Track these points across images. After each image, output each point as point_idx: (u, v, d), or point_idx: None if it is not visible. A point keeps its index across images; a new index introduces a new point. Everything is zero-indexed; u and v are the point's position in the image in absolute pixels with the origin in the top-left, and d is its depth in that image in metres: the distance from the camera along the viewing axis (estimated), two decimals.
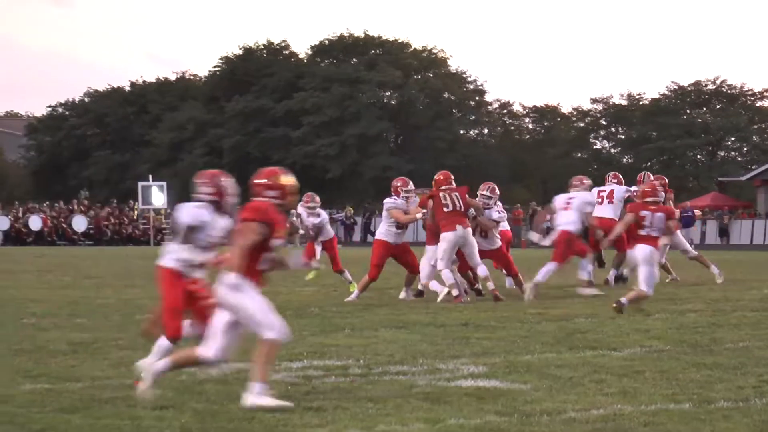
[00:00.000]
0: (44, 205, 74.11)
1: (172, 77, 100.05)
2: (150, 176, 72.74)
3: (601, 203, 26.21)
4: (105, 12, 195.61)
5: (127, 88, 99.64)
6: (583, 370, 12.73)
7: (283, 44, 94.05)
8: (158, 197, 70.31)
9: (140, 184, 71.37)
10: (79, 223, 70.01)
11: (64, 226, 70.29)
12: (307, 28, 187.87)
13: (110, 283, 27.92)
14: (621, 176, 27.57)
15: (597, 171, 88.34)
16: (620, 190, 26.65)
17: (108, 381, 12.35)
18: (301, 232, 27.00)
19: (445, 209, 21.94)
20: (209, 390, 11.69)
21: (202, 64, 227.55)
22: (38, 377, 12.62)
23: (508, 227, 24.75)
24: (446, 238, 21.74)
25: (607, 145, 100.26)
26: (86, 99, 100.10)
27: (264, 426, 9.80)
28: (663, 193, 21.43)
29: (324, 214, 26.64)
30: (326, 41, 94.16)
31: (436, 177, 22.57)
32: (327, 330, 17.12)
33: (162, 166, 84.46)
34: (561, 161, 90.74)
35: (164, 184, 71.16)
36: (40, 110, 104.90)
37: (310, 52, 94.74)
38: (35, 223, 69.30)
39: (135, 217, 72.05)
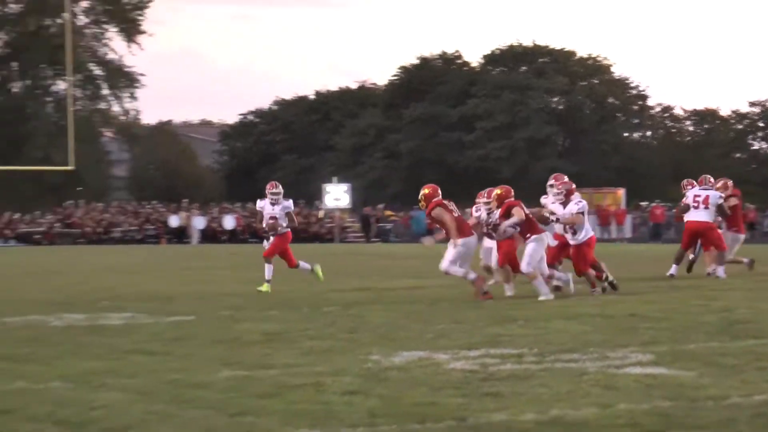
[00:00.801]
0: (236, 205, 75.24)
1: (354, 86, 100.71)
2: (334, 178, 73.42)
3: (697, 207, 26.00)
4: (289, 27, 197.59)
5: (312, 97, 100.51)
6: (746, 358, 12.54)
7: (456, 54, 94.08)
8: (342, 198, 71.15)
9: (325, 185, 72.28)
10: (227, 223, 70.83)
11: (255, 225, 71.20)
12: (478, 38, 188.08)
13: (298, 278, 28.18)
14: (713, 180, 27.20)
15: (756, 171, 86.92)
16: (714, 196, 26.23)
17: (299, 368, 12.47)
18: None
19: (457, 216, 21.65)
20: (393, 377, 11.74)
21: (381, 74, 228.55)
22: (235, 365, 12.79)
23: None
24: (466, 243, 21.20)
25: (765, 146, 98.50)
26: (274, 107, 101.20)
27: (445, 409, 9.82)
28: None
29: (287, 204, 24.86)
30: (497, 51, 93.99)
31: (426, 191, 21.58)
32: (501, 321, 17.10)
33: (344, 169, 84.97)
34: (720, 162, 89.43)
35: (347, 185, 71.96)
36: (232, 118, 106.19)
37: (482, 61, 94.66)
38: (229, 222, 70.38)
39: (321, 217, 72.66)
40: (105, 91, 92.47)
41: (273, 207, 24.48)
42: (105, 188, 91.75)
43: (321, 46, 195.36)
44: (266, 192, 24.68)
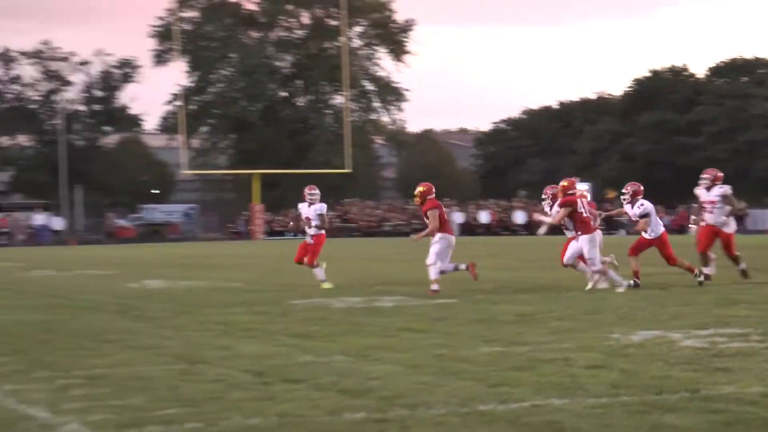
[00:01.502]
0: (490, 202, 75.39)
1: (592, 96, 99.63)
2: (576, 179, 72.92)
3: None
4: (536, 45, 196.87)
5: (556, 106, 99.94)
6: None
7: (683, 67, 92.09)
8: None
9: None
10: (518, 217, 70.84)
11: (506, 219, 71.39)
12: (703, 53, 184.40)
13: (547, 266, 28.03)
14: None
15: None
16: None
17: (548, 345, 12.40)
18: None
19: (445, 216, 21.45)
20: (632, 353, 11.58)
21: (616, 85, 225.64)
22: (492, 341, 12.79)
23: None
24: (446, 238, 20.96)
25: None
26: (523, 116, 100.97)
27: (679, 382, 9.62)
28: None
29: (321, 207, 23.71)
30: (721, 63, 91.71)
31: (422, 188, 21.26)
32: (727, 304, 16.70)
33: (584, 170, 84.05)
34: None
35: (588, 184, 71.42)
36: (485, 126, 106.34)
37: (707, 73, 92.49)
38: (484, 217, 70.56)
39: None
40: (376, 104, 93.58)
41: (309, 207, 23.53)
42: (377, 188, 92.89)
43: (563, 62, 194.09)
44: (305, 194, 23.80)
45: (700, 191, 22.14)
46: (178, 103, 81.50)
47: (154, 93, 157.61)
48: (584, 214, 20.36)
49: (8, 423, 8.64)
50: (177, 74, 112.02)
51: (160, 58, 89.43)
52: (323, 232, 23.30)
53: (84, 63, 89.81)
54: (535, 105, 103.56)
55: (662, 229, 21.07)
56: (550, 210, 21.52)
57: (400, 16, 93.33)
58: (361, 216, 76.76)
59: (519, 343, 12.64)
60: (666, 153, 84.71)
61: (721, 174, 22.13)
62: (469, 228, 69.68)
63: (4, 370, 11.37)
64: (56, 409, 9.13)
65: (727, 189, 21.68)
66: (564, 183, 20.89)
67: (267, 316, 16.47)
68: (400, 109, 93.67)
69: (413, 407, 8.84)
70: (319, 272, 22.65)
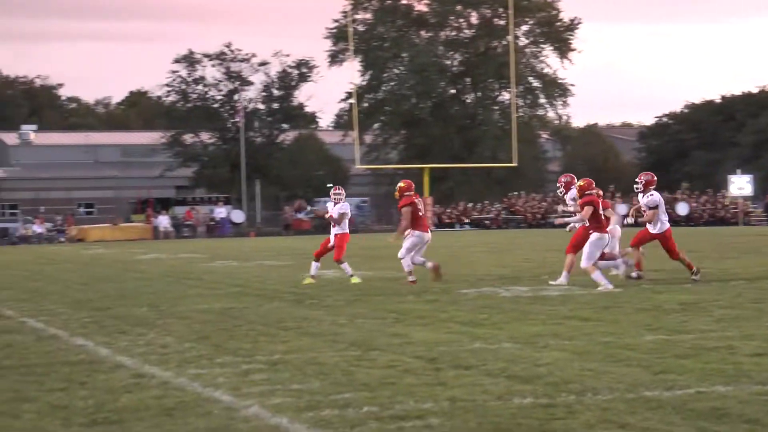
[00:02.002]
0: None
1: (755, 90, 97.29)
2: (738, 171, 71.54)
3: None
4: (698, 41, 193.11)
5: (718, 101, 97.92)
6: None
7: None
8: (745, 187, 69.71)
9: (730, 177, 70.87)
10: (681, 209, 69.61)
11: (669, 211, 70.24)
12: None
13: (709, 256, 27.49)
14: None
15: None
16: None
17: (712, 333, 12.17)
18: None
19: (420, 213, 21.28)
20: None
21: None
22: (657, 330, 12.60)
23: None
24: (420, 235, 21.08)
25: None
26: (685, 110, 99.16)
27: None
28: None
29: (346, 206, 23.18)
30: None
31: (401, 184, 21.67)
32: None
33: (746, 163, 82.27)
34: None
35: (750, 176, 70.17)
36: (648, 120, 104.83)
37: None
38: (683, 209, 69.53)
39: (727, 204, 70.76)
40: (542, 100, 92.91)
41: (333, 206, 23.00)
42: (542, 181, 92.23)
43: (725, 57, 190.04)
44: (330, 194, 23.52)
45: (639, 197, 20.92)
46: (351, 101, 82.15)
47: (329, 92, 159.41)
48: (601, 213, 19.61)
49: (193, 405, 8.81)
50: (351, 73, 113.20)
51: (335, 58, 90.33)
52: (347, 231, 22.98)
53: (263, 64, 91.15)
54: (698, 99, 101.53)
55: (667, 225, 20.34)
56: (563, 197, 21.29)
57: (565, 15, 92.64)
58: (526, 208, 76.41)
59: (683, 332, 12.43)
60: None
61: (653, 177, 20.80)
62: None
63: (189, 355, 11.60)
64: (239, 392, 9.29)
65: (654, 199, 20.34)
66: (581, 182, 20.01)
67: (437, 305, 16.50)
68: (565, 105, 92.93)
69: (580, 393, 8.76)
70: (347, 267, 22.36)
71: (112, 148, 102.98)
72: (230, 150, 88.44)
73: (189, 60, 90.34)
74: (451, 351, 11.30)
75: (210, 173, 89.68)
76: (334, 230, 22.76)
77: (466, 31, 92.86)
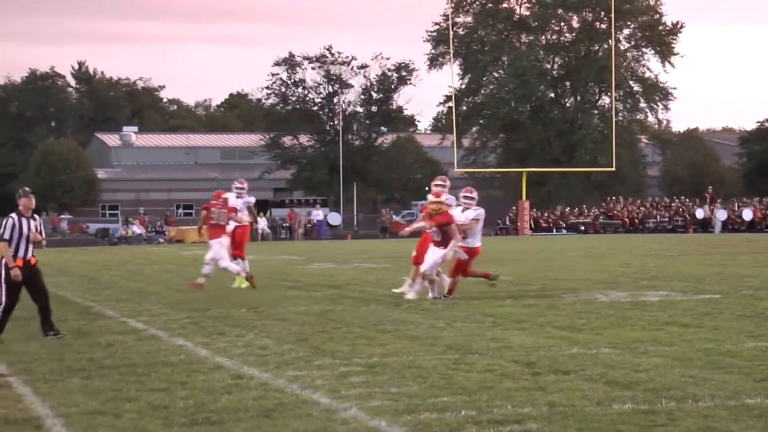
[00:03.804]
0: (755, 200, 73.18)
1: None
2: None
3: None
4: None
5: None
6: None
7: None
8: None
9: None
10: (747, 214, 68.57)
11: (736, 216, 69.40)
12: None
13: None
14: None
15: None
16: None
17: None
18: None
19: (212, 221, 21.43)
20: None
21: None
22: (758, 337, 12.42)
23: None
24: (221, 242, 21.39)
25: None
26: None
27: None
28: None
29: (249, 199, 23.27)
30: None
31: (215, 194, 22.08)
32: None
33: None
34: None
35: None
36: (749, 125, 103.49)
37: None
38: (747, 214, 68.52)
39: None
40: (642, 104, 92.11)
41: (237, 200, 22.89)
42: (641, 186, 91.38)
43: None
44: (232, 186, 23.47)
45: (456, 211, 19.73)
46: (450, 104, 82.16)
47: (428, 95, 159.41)
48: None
49: (292, 407, 8.87)
50: (450, 77, 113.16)
51: (435, 61, 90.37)
52: (246, 224, 23.29)
53: (363, 67, 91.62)
54: None
55: (479, 244, 19.44)
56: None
57: (669, 19, 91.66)
58: (624, 213, 75.75)
59: None
60: None
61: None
62: (732, 225, 67.83)
63: (288, 357, 11.68)
64: (337, 394, 9.34)
65: (480, 213, 19.62)
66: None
67: (535, 309, 16.43)
68: (666, 109, 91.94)
69: (681, 399, 8.67)
70: (239, 265, 22.29)
71: (212, 149, 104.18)
72: (328, 152, 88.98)
73: (289, 63, 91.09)
74: (549, 356, 11.25)
75: (308, 175, 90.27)
76: (232, 224, 22.76)
77: (567, 34, 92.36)
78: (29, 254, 14.05)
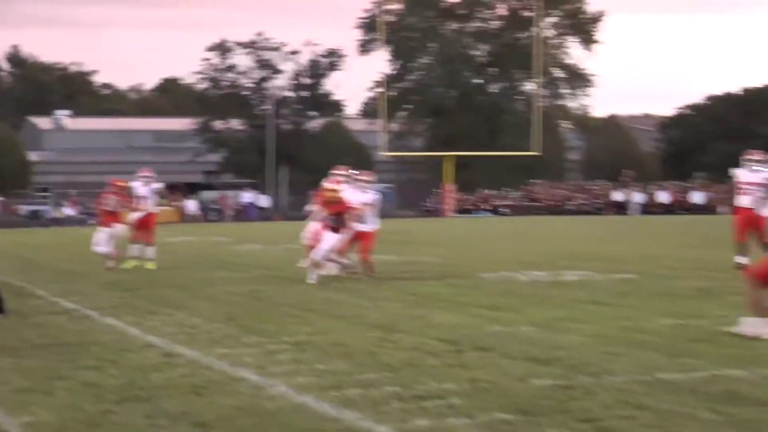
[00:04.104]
0: (672, 183, 74.18)
1: None
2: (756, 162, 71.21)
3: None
4: (719, 32, 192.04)
5: (739, 93, 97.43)
6: None
7: None
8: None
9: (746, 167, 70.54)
10: (697, 197, 69.55)
11: (685, 200, 70.21)
12: None
13: (725, 244, 27.33)
14: None
15: None
16: None
17: (727, 319, 12.12)
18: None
19: (105, 208, 22.00)
20: None
21: None
22: (672, 315, 12.58)
23: None
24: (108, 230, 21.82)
25: None
26: (706, 102, 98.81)
27: None
28: None
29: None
30: None
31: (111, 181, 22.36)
32: None
33: (767, 153, 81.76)
34: None
35: None
36: (668, 111, 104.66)
37: None
38: (664, 197, 69.46)
39: None
40: (564, 90, 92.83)
41: (144, 188, 22.89)
42: (562, 170, 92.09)
43: (747, 49, 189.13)
44: (138, 175, 23.35)
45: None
46: (379, 89, 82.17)
47: (357, 80, 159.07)
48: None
49: (221, 384, 8.86)
50: (379, 63, 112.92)
51: (365, 47, 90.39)
52: (153, 212, 23.35)
53: (294, 52, 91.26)
54: (719, 91, 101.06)
55: (375, 227, 19.48)
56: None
57: (591, 8, 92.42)
58: (546, 196, 76.38)
59: (698, 317, 12.40)
60: None
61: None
62: (650, 207, 68.73)
63: (217, 336, 11.66)
64: (265, 371, 9.33)
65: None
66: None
67: (458, 288, 16.52)
68: (587, 95, 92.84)
69: (598, 375, 8.78)
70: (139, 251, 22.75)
71: (144, 133, 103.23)
72: (258, 137, 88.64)
73: (221, 48, 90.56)
74: (471, 334, 11.32)
75: (238, 159, 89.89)
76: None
77: (494, 22, 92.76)
78: None
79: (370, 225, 19.40)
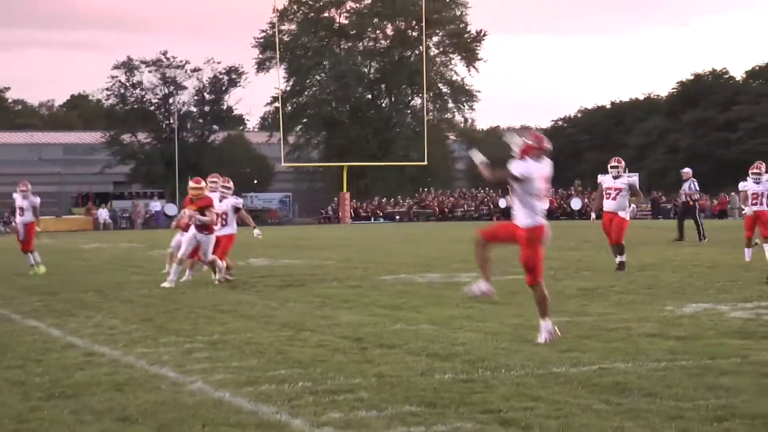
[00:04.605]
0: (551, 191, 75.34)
1: (641, 97, 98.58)
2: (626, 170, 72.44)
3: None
4: (588, 51, 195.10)
5: (608, 106, 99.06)
6: None
7: (723, 71, 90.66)
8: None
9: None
10: (575, 203, 70.47)
11: (565, 205, 71.04)
12: (741, 57, 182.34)
13: (602, 246, 27.74)
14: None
15: None
16: None
17: (610, 316, 12.32)
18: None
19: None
20: (685, 323, 11.47)
21: (662, 87, 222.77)
22: (560, 313, 12.67)
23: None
24: None
25: None
26: (579, 114, 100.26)
27: (730, 349, 9.50)
28: None
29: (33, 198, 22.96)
30: (757, 67, 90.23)
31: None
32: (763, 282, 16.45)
33: (634, 162, 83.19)
34: None
35: (636, 175, 71.06)
36: (545, 123, 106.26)
37: (744, 76, 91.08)
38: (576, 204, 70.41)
39: None
40: (450, 105, 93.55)
41: (23, 201, 22.77)
42: (450, 179, 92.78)
43: (615, 66, 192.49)
44: (17, 189, 23.05)
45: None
46: (276, 104, 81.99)
47: (256, 96, 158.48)
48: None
49: (142, 381, 8.74)
50: (276, 79, 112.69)
51: (262, 65, 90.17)
52: (32, 222, 22.96)
53: (196, 70, 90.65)
54: (590, 105, 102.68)
55: (233, 231, 19.42)
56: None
57: (473, 28, 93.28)
58: (436, 203, 76.86)
59: (584, 314, 12.56)
60: (707, 146, 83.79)
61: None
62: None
63: (135, 336, 11.50)
64: (183, 369, 9.23)
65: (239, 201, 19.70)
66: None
67: (360, 290, 16.51)
68: (471, 109, 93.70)
69: (495, 369, 8.82)
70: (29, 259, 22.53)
71: (55, 146, 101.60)
72: (165, 149, 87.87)
73: (128, 66, 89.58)
74: (375, 332, 11.32)
75: (146, 170, 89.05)
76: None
77: (382, 41, 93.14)
78: None
79: (229, 229, 19.30)
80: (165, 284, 17.83)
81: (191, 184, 18.96)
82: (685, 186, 30.89)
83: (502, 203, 70.62)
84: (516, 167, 10.40)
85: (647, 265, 20.52)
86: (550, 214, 60.89)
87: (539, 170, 10.54)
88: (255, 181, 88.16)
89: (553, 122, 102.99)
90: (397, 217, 74.08)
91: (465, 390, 8.02)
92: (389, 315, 12.91)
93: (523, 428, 6.79)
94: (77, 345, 10.89)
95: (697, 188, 31.43)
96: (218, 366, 9.32)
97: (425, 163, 74.67)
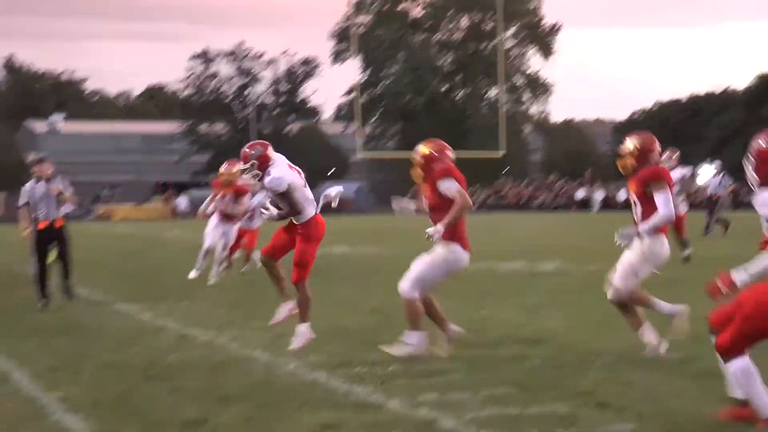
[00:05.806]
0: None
1: (718, 90, 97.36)
2: (708, 159, 71.82)
3: None
4: (668, 43, 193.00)
5: (685, 99, 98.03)
6: None
7: None
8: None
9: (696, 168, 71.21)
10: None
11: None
12: None
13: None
14: None
15: None
16: None
17: (699, 303, 12.21)
18: None
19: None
20: None
21: (740, 80, 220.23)
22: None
23: None
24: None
25: None
26: (655, 108, 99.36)
27: None
28: None
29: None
30: None
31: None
32: None
33: (712, 155, 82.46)
34: None
35: (716, 164, 70.49)
36: (621, 117, 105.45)
37: None
38: (622, 195, 69.90)
39: (692, 192, 71.10)
40: (525, 96, 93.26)
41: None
42: (526, 170, 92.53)
43: (693, 60, 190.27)
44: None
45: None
46: (353, 95, 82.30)
47: (332, 87, 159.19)
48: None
49: (236, 363, 8.91)
50: (352, 71, 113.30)
51: (338, 56, 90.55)
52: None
53: (272, 61, 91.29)
54: (667, 98, 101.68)
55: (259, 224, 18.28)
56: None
57: (548, 20, 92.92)
58: (512, 193, 76.80)
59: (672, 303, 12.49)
60: None
61: None
62: (610, 204, 69.30)
63: (225, 320, 11.69)
64: (275, 352, 9.37)
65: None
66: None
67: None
68: (546, 101, 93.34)
69: (584, 355, 8.81)
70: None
71: (134, 136, 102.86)
72: (241, 139, 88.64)
73: (205, 57, 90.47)
74: (461, 319, 11.38)
75: (223, 160, 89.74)
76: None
77: (457, 34, 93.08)
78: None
79: (257, 222, 18.35)
80: (210, 281, 16.58)
81: (226, 167, 17.72)
82: (714, 181, 30.72)
83: (580, 194, 70.20)
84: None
85: (724, 257, 20.29)
86: (628, 205, 59.73)
87: None
88: (333, 170, 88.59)
89: (629, 115, 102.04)
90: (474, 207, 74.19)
91: (556, 374, 8.08)
92: (474, 302, 12.95)
93: (618, 410, 6.83)
94: (170, 328, 11.10)
95: (727, 183, 31.13)
96: (310, 349, 9.44)
97: (503, 152, 74.52)
